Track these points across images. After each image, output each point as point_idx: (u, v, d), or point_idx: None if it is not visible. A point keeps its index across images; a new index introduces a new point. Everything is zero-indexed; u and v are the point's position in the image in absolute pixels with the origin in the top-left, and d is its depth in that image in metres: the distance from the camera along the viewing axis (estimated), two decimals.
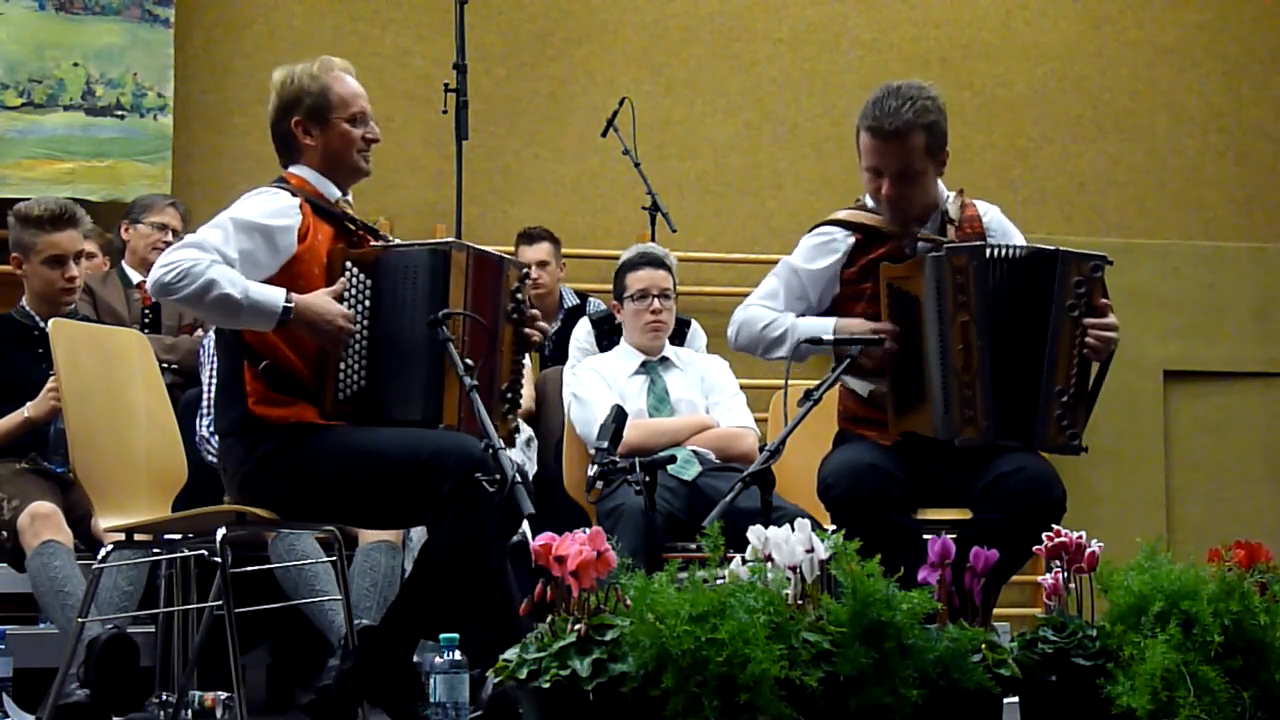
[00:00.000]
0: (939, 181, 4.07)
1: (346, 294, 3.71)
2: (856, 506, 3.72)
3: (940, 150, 3.99)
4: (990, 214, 4.13)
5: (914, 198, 3.98)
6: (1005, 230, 4.11)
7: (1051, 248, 3.90)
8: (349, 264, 3.72)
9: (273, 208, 3.69)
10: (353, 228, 3.83)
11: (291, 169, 3.87)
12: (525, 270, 3.94)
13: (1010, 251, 3.89)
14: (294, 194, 3.75)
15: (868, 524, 3.56)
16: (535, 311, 3.94)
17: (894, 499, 3.81)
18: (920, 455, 3.91)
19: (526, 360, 4.02)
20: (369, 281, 3.73)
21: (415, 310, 3.68)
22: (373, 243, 3.83)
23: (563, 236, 6.72)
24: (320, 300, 3.64)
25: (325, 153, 3.84)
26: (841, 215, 4.10)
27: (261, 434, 3.68)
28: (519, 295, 3.87)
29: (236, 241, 3.61)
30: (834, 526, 3.51)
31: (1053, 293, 3.82)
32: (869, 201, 4.09)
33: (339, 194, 3.86)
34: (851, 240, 4.03)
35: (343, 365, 3.69)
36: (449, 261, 3.72)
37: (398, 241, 3.91)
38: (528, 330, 3.89)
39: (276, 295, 3.58)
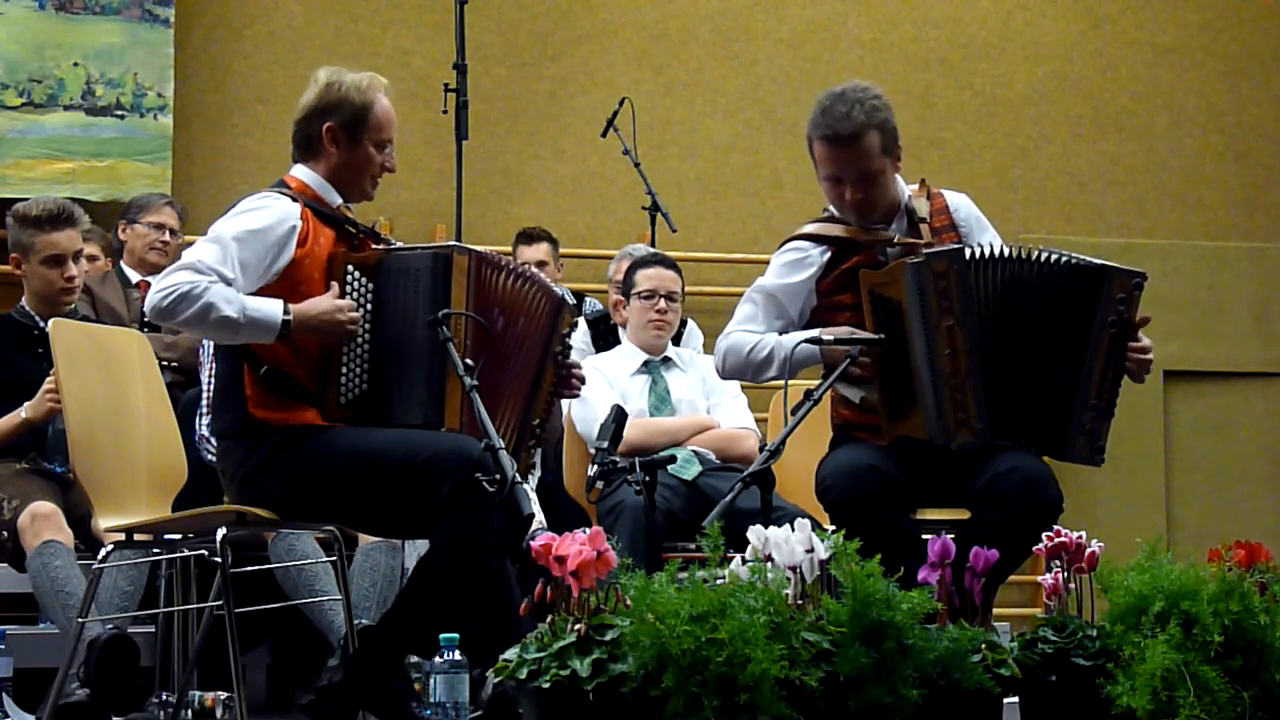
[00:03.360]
0: (897, 177, 4.05)
1: (348, 297, 3.70)
2: (855, 508, 3.72)
3: (895, 146, 3.97)
4: (958, 202, 4.10)
5: (878, 199, 3.97)
6: (976, 221, 4.09)
7: (1098, 262, 3.86)
8: (350, 267, 3.72)
9: (270, 215, 3.68)
10: (353, 231, 3.83)
11: (296, 170, 3.86)
12: (577, 320, 3.96)
13: (1040, 255, 3.84)
14: (294, 199, 3.74)
15: (866, 525, 3.55)
16: (579, 363, 3.97)
17: (893, 500, 3.80)
18: (917, 455, 3.90)
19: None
20: (370, 285, 3.73)
21: (417, 313, 3.67)
22: (374, 246, 3.83)
23: (563, 236, 6.72)
24: (317, 303, 3.64)
25: (343, 166, 3.84)
26: (811, 229, 4.07)
27: (260, 436, 3.68)
28: (569, 341, 3.90)
29: (236, 256, 3.60)
30: (833, 527, 3.52)
31: (1095, 308, 3.80)
32: (836, 210, 4.07)
33: (340, 200, 3.85)
34: (826, 255, 4.02)
35: (344, 369, 3.69)
36: (450, 264, 3.72)
37: (400, 245, 3.91)
38: (570, 381, 3.92)
39: (274, 309, 3.58)
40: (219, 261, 3.57)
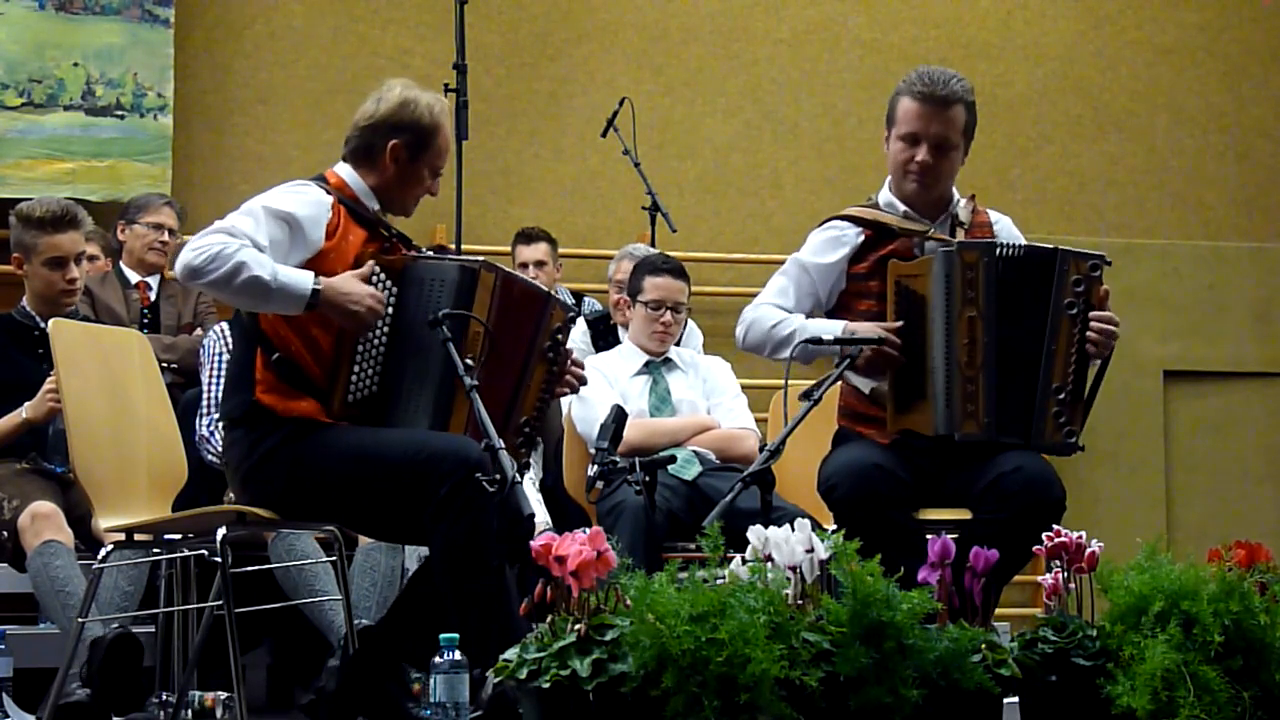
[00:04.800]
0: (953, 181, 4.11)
1: None
2: (861, 507, 3.72)
3: (970, 137, 4.04)
4: (1001, 223, 4.15)
5: (941, 173, 4.01)
6: (1015, 240, 4.12)
7: (1050, 246, 3.92)
8: (377, 268, 3.71)
9: (304, 200, 3.70)
10: (386, 234, 3.83)
11: (340, 169, 3.86)
12: (573, 314, 3.94)
13: (1015, 250, 3.91)
14: (329, 192, 3.76)
15: (872, 525, 3.57)
16: (576, 359, 3.95)
17: (898, 500, 3.81)
18: (919, 454, 3.92)
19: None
20: (394, 289, 3.73)
21: None
22: (405, 253, 3.83)
23: (562, 236, 6.72)
24: (348, 281, 3.64)
25: (393, 181, 3.84)
26: (852, 211, 4.11)
27: (265, 427, 3.68)
28: (560, 337, 3.87)
29: (267, 229, 3.61)
30: (837, 527, 3.52)
31: (1051, 291, 3.84)
32: (881, 200, 4.10)
33: (377, 207, 3.86)
34: (861, 237, 4.04)
35: (356, 368, 3.69)
36: (476, 279, 3.71)
37: (430, 253, 3.91)
38: (565, 378, 3.90)
39: (305, 278, 3.59)
40: (253, 229, 3.59)
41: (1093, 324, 3.83)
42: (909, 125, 3.98)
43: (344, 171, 3.86)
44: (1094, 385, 3.91)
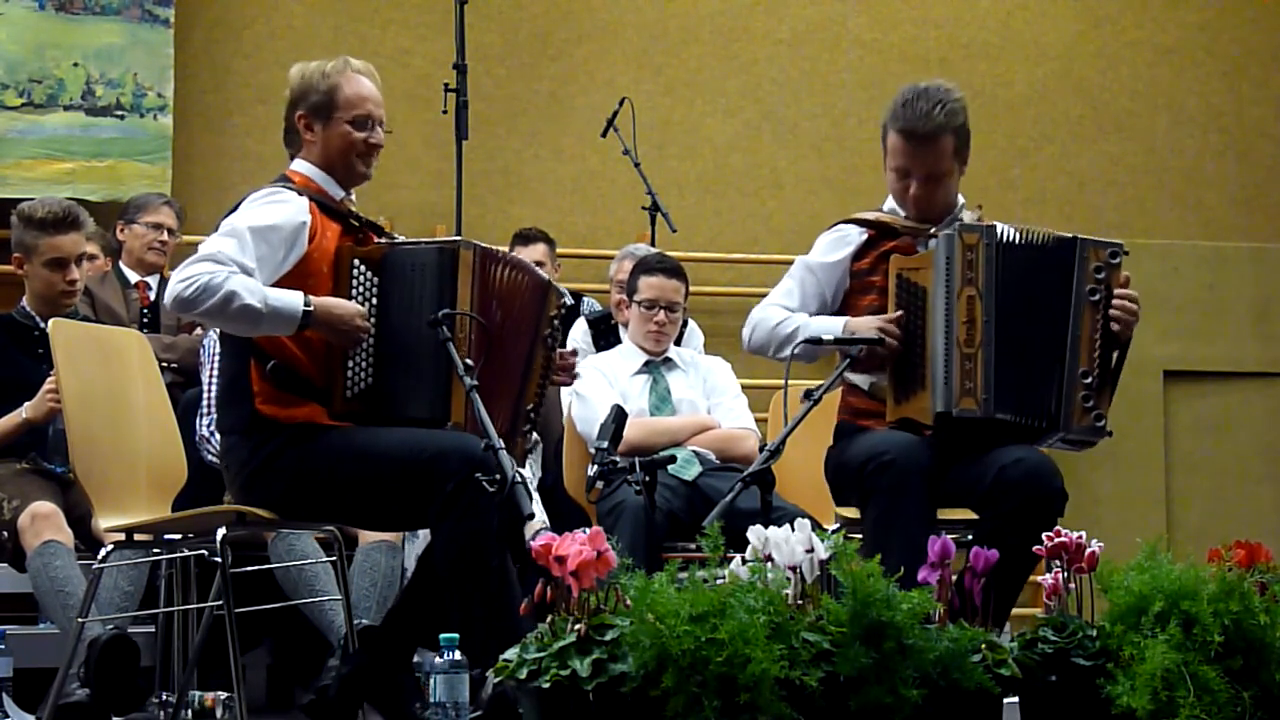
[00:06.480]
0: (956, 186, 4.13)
1: (354, 291, 3.71)
2: (914, 475, 3.75)
3: (965, 150, 4.07)
4: None
5: (938, 198, 4.05)
6: None
7: (1070, 235, 3.97)
8: (357, 261, 3.72)
9: (284, 209, 3.69)
10: (357, 225, 3.84)
11: (295, 165, 3.87)
12: (564, 300, 3.96)
13: (1026, 236, 3.95)
14: (300, 193, 3.75)
15: (916, 496, 3.60)
16: (570, 349, 3.98)
17: (932, 478, 3.83)
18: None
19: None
20: (376, 279, 3.73)
21: (422, 308, 3.68)
22: (378, 240, 3.84)
23: (562, 236, 6.72)
24: (339, 302, 3.65)
25: (325, 150, 3.84)
26: (857, 215, 4.16)
27: (266, 433, 3.68)
28: (557, 323, 3.90)
29: (253, 249, 3.60)
30: (878, 498, 3.53)
31: (1073, 279, 3.90)
32: (886, 207, 4.14)
33: (343, 193, 3.86)
34: (865, 235, 4.07)
35: (350, 364, 3.70)
36: (456, 260, 3.72)
37: (403, 239, 3.91)
38: (558, 366, 3.92)
39: (295, 300, 3.58)
40: (238, 253, 3.58)
41: (1114, 304, 3.89)
42: (897, 160, 4.02)
43: (300, 166, 3.86)
44: (1116, 368, 3.95)
